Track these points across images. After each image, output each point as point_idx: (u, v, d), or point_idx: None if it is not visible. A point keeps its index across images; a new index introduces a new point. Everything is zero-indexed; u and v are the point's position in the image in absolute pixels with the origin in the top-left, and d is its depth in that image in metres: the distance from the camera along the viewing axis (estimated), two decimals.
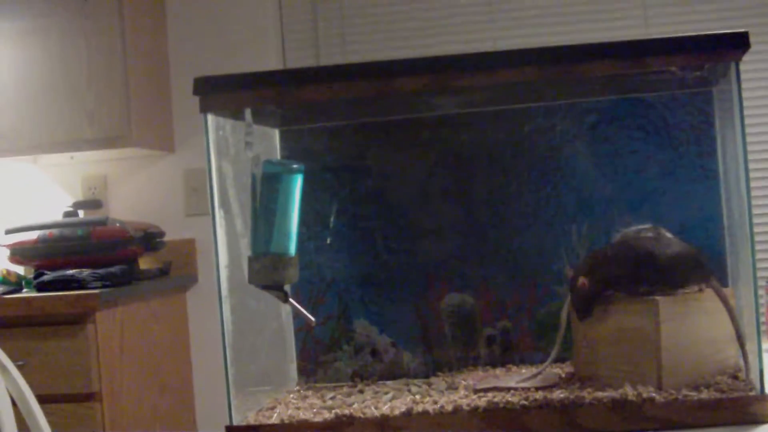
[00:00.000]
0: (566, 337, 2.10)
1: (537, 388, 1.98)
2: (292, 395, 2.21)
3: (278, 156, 2.40)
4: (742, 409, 1.79)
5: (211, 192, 1.99)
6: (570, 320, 2.09)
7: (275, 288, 1.96)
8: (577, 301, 2.00)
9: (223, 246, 2.01)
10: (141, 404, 3.28)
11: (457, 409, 1.89)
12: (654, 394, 1.84)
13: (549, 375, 2.06)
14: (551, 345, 2.14)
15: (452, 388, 2.10)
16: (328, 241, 2.39)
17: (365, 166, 2.42)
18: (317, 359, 2.39)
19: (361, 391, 2.19)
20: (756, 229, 2.00)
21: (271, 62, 3.72)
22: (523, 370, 2.21)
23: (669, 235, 2.00)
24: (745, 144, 1.84)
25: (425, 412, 1.89)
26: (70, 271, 3.17)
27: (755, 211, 1.87)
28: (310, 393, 2.23)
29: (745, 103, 1.85)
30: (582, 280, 1.97)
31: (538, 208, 2.34)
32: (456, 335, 2.34)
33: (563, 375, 2.09)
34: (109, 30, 3.43)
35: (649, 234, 2.01)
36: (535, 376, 2.07)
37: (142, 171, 3.80)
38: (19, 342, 3.00)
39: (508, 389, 2.00)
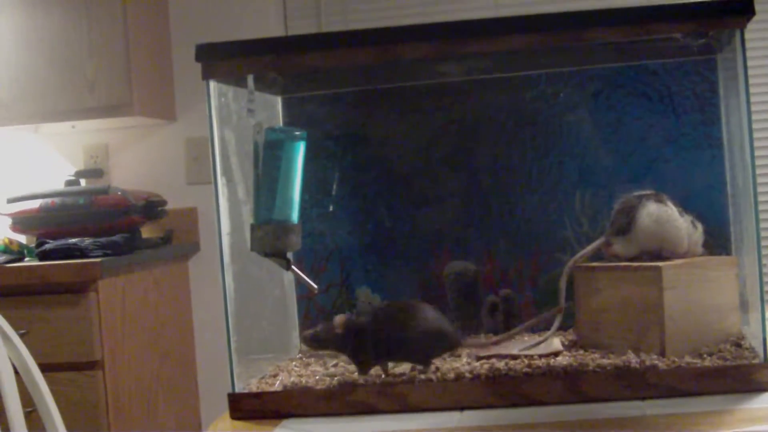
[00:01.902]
0: (569, 305, 2.10)
1: (540, 356, 1.98)
2: (294, 363, 2.21)
3: (281, 123, 2.39)
4: (745, 377, 1.79)
5: (213, 160, 1.99)
6: (572, 288, 2.09)
7: (278, 255, 1.95)
8: (322, 332, 1.99)
9: (225, 214, 2.01)
10: (143, 372, 3.29)
11: (459, 377, 1.89)
12: (657, 362, 1.84)
13: (552, 342, 2.06)
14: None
15: (454, 355, 2.10)
16: (331, 208, 2.38)
17: (368, 134, 2.42)
18: None
19: None
20: (760, 198, 1.99)
21: (273, 29, 3.71)
22: (526, 338, 2.21)
23: (427, 310, 1.99)
24: (749, 112, 1.83)
25: (428, 380, 1.89)
26: (72, 240, 3.17)
27: (759, 179, 1.87)
28: (312, 360, 2.23)
29: (749, 71, 1.84)
30: (340, 321, 1.97)
31: (541, 175, 2.33)
32: (458, 303, 2.34)
33: (566, 342, 2.09)
34: None
35: (409, 306, 2.00)
36: (538, 344, 2.07)
37: (143, 140, 3.79)
38: (21, 311, 3.00)
39: (511, 357, 2.00)
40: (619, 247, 2.03)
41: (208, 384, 3.73)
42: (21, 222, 3.38)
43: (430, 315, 1.97)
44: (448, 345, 1.99)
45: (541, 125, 2.34)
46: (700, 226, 2.06)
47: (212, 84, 1.99)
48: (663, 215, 2.00)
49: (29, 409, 2.16)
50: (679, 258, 1.98)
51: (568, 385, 1.84)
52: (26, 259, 3.29)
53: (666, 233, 1.99)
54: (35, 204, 3.35)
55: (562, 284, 2.10)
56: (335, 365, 2.13)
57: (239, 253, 2.02)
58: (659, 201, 2.02)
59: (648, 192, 2.05)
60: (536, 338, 2.14)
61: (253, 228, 1.94)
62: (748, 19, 1.82)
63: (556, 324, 2.10)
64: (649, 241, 1.99)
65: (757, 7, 1.83)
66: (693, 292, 1.94)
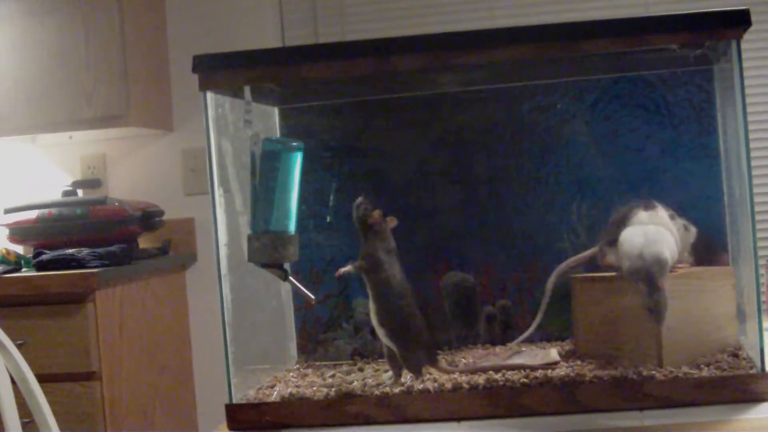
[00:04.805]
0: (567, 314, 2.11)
1: (537, 366, 1.98)
2: (291, 373, 2.21)
3: (278, 134, 2.39)
4: (742, 387, 1.79)
5: (210, 170, 1.99)
6: (569, 298, 2.09)
7: (275, 266, 1.95)
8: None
9: (223, 224, 2.01)
10: (140, 383, 3.29)
11: (457, 387, 1.89)
12: (654, 372, 1.84)
13: (550, 353, 2.06)
14: (550, 323, 2.15)
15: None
16: (328, 219, 2.38)
17: (365, 144, 2.42)
18: (317, 337, 2.39)
19: (361, 369, 2.20)
20: (756, 208, 2.00)
21: (270, 40, 3.71)
22: (523, 348, 2.21)
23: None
24: (746, 122, 1.83)
25: (425, 390, 1.89)
26: (70, 251, 3.17)
27: (756, 189, 1.87)
28: (309, 371, 2.23)
29: (745, 81, 1.85)
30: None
31: (538, 186, 2.34)
32: (456, 313, 2.34)
33: (563, 353, 2.09)
34: (107, 9, 3.41)
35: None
36: (518, 342, 2.10)
37: (141, 150, 3.79)
38: (18, 321, 3.00)
39: (508, 367, 2.00)
40: (614, 258, 2.03)
41: (205, 394, 3.73)
42: (18, 232, 3.38)
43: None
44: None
45: (538, 136, 2.34)
46: (693, 229, 2.07)
47: (209, 95, 1.99)
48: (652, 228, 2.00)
49: (27, 420, 2.16)
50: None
51: (566, 396, 1.84)
52: (23, 269, 3.29)
53: None
54: (32, 214, 3.35)
55: (549, 286, 2.11)
56: (332, 376, 2.13)
57: (236, 264, 2.02)
58: (649, 209, 2.03)
59: (638, 203, 2.05)
60: (533, 348, 2.15)
61: (250, 239, 1.94)
62: (745, 30, 1.82)
63: (536, 321, 2.11)
64: None
65: (753, 17, 1.83)
66: (690, 303, 1.94)
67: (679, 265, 2.01)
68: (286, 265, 1.99)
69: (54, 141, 3.77)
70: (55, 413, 2.15)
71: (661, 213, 2.03)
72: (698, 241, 2.09)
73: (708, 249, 2.11)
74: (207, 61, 1.99)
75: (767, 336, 1.84)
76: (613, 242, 2.02)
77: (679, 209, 2.09)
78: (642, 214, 2.02)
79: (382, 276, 2.00)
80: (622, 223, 2.02)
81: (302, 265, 2.33)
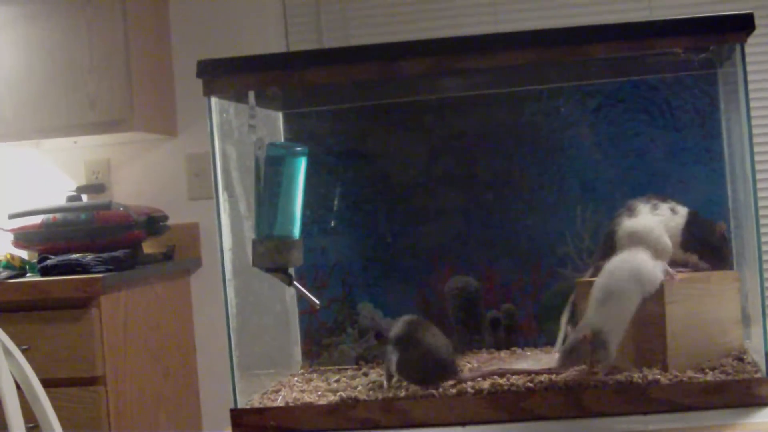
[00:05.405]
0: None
1: (542, 371, 1.98)
2: (296, 378, 2.21)
3: (282, 139, 2.39)
4: (746, 392, 1.79)
5: (214, 175, 1.99)
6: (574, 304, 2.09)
7: (279, 271, 1.96)
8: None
9: (227, 229, 2.01)
10: (145, 388, 3.29)
11: (461, 392, 1.89)
12: (659, 377, 1.84)
13: (554, 358, 2.06)
14: (556, 328, 2.14)
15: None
16: (332, 224, 2.38)
17: (369, 149, 2.42)
18: (321, 342, 2.39)
19: (366, 374, 2.19)
20: (761, 212, 1.99)
21: (274, 46, 3.71)
22: (528, 353, 2.21)
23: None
24: (750, 126, 1.83)
25: (430, 395, 1.89)
26: (74, 256, 3.17)
27: (760, 193, 1.87)
28: (314, 376, 2.23)
29: (749, 85, 1.85)
30: None
31: (542, 191, 2.34)
32: (460, 318, 2.34)
33: None
34: (110, 14, 3.41)
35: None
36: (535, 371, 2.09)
37: (145, 155, 3.80)
38: (23, 326, 3.00)
39: (514, 372, 1.99)
40: None
41: (210, 399, 3.73)
42: (23, 237, 3.38)
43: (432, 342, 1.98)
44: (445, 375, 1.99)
45: (542, 140, 2.34)
46: (681, 211, 2.07)
47: (213, 100, 1.99)
48: (640, 230, 2.00)
49: (31, 425, 2.16)
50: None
51: (571, 400, 1.84)
52: (28, 274, 3.29)
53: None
54: (37, 220, 3.35)
55: (564, 320, 2.11)
56: (337, 381, 2.13)
57: (241, 269, 2.02)
58: (632, 217, 2.04)
59: (622, 210, 2.06)
60: (537, 353, 2.15)
61: (254, 243, 1.94)
62: (749, 34, 1.82)
63: (559, 340, 2.10)
64: None
65: (757, 21, 1.83)
66: (695, 307, 1.94)
67: (680, 270, 2.01)
68: (291, 270, 1.99)
69: (58, 146, 3.77)
70: (60, 418, 2.15)
71: (643, 215, 2.04)
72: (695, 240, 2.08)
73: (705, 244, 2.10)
74: (211, 66, 1.99)
75: None
76: (606, 256, 2.01)
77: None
78: (627, 223, 2.03)
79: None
80: (611, 237, 2.03)
81: (307, 270, 2.33)
